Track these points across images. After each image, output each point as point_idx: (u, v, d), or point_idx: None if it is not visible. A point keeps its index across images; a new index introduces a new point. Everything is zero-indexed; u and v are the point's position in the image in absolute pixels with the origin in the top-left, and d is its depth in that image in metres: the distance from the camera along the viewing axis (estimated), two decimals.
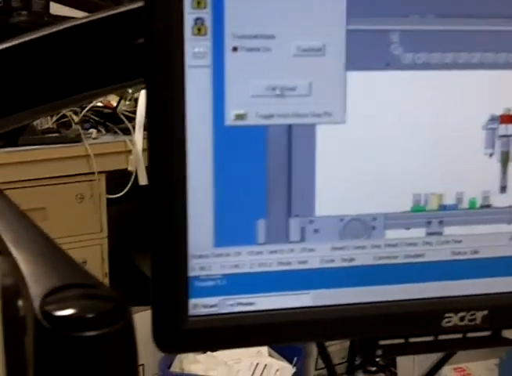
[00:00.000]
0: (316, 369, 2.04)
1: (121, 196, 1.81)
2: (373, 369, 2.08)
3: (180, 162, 0.39)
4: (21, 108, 0.51)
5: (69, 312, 0.30)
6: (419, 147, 0.43)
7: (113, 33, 0.49)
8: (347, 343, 2.02)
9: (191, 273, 0.41)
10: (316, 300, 0.43)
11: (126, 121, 1.83)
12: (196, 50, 0.39)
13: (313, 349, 1.97)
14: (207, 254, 0.41)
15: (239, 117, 0.40)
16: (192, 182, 0.40)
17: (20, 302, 0.32)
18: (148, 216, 0.40)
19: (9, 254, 0.34)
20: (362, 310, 0.44)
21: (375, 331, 0.45)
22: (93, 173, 1.74)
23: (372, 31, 0.41)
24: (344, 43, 0.41)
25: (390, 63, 0.42)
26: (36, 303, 0.30)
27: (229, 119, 0.40)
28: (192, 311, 0.41)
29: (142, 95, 1.80)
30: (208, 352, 1.82)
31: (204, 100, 0.40)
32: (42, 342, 0.30)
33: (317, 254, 0.43)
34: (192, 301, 0.41)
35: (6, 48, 0.49)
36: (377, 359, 2.02)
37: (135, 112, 1.82)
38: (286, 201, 0.42)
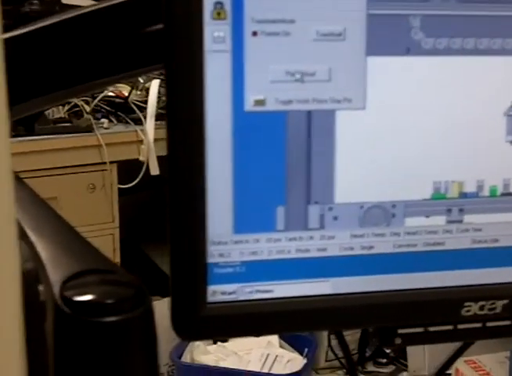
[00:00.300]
0: (326, 360, 2.04)
1: (133, 186, 1.81)
2: (384, 361, 2.08)
3: (199, 148, 0.39)
4: (33, 95, 0.50)
5: (89, 297, 0.30)
6: (439, 134, 0.43)
7: (125, 20, 0.48)
8: (357, 335, 2.02)
9: (210, 260, 0.41)
10: (335, 288, 0.43)
11: (137, 111, 1.83)
12: (215, 34, 0.39)
13: (324, 340, 1.97)
14: (226, 240, 0.41)
15: (259, 102, 0.40)
16: (211, 168, 0.40)
17: (41, 287, 0.31)
18: (167, 203, 0.39)
19: (28, 241, 0.34)
20: (381, 298, 0.43)
21: (394, 320, 0.44)
22: (105, 163, 1.74)
23: (392, 16, 0.41)
24: (365, 28, 0.40)
25: (410, 49, 0.41)
26: (56, 289, 0.30)
27: (249, 105, 0.40)
28: (210, 298, 0.41)
29: (154, 85, 1.80)
30: (219, 343, 1.83)
31: (224, 85, 0.39)
32: (62, 327, 0.30)
33: (336, 242, 0.42)
34: (211, 288, 0.41)
35: (20, 35, 0.49)
36: (388, 351, 2.01)
37: (146, 102, 1.82)
38: (305, 188, 0.42)
